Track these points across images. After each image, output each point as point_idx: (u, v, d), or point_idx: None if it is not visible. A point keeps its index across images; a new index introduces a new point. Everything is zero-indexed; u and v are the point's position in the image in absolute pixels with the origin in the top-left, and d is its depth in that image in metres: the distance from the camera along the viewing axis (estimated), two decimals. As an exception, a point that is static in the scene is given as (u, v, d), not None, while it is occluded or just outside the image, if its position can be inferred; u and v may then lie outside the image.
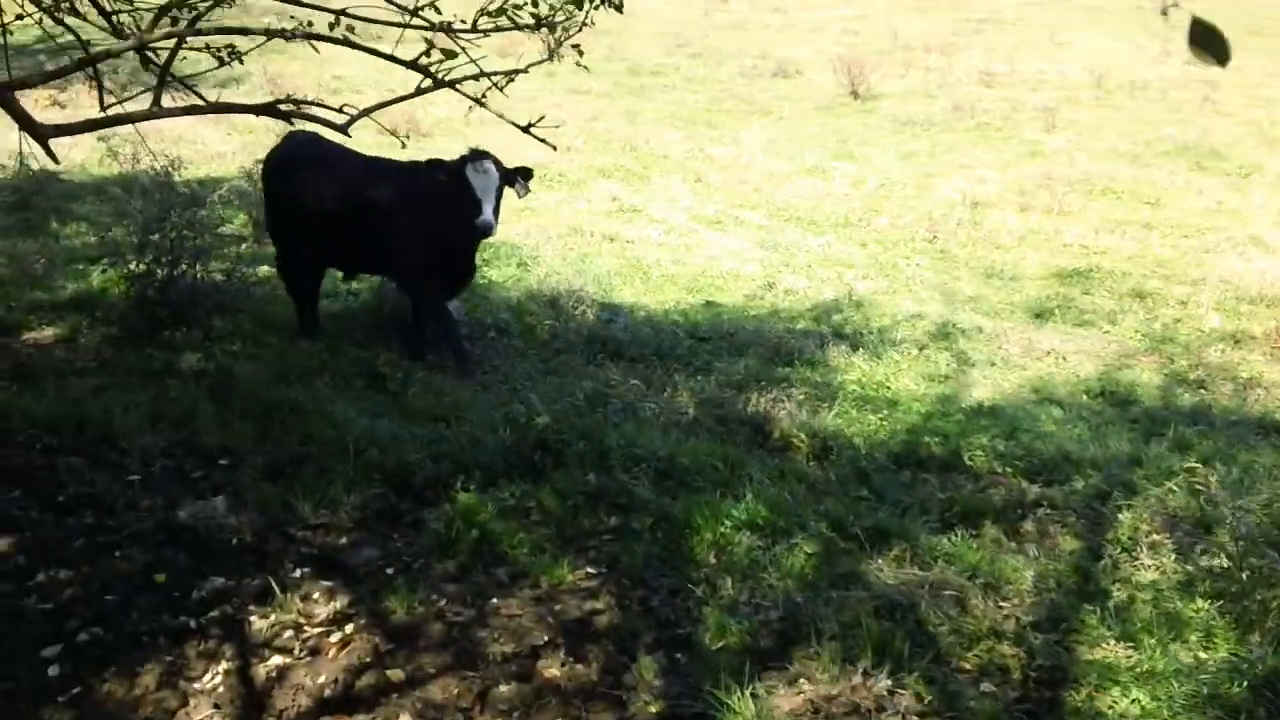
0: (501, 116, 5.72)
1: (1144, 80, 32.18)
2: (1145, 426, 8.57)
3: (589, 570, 5.64)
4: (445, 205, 8.31)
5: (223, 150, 17.76)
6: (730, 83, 29.36)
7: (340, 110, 4.96)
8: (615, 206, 16.38)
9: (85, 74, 4.79)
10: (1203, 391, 9.85)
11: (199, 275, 8.97)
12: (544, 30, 5.61)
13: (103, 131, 17.23)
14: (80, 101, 19.65)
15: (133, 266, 8.80)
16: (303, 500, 6.13)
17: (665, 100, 26.98)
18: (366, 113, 5.04)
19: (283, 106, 4.82)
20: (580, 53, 5.83)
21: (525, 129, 5.60)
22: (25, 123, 4.38)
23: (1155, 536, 6.05)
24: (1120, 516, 6.27)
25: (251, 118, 21.46)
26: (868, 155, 22.14)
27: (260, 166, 9.83)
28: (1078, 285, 13.40)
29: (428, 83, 5.24)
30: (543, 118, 5.60)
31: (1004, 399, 9.26)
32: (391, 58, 5.11)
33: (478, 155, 8.36)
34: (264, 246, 12.28)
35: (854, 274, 13.48)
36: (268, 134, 19.84)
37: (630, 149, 21.52)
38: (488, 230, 8.22)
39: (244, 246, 12.10)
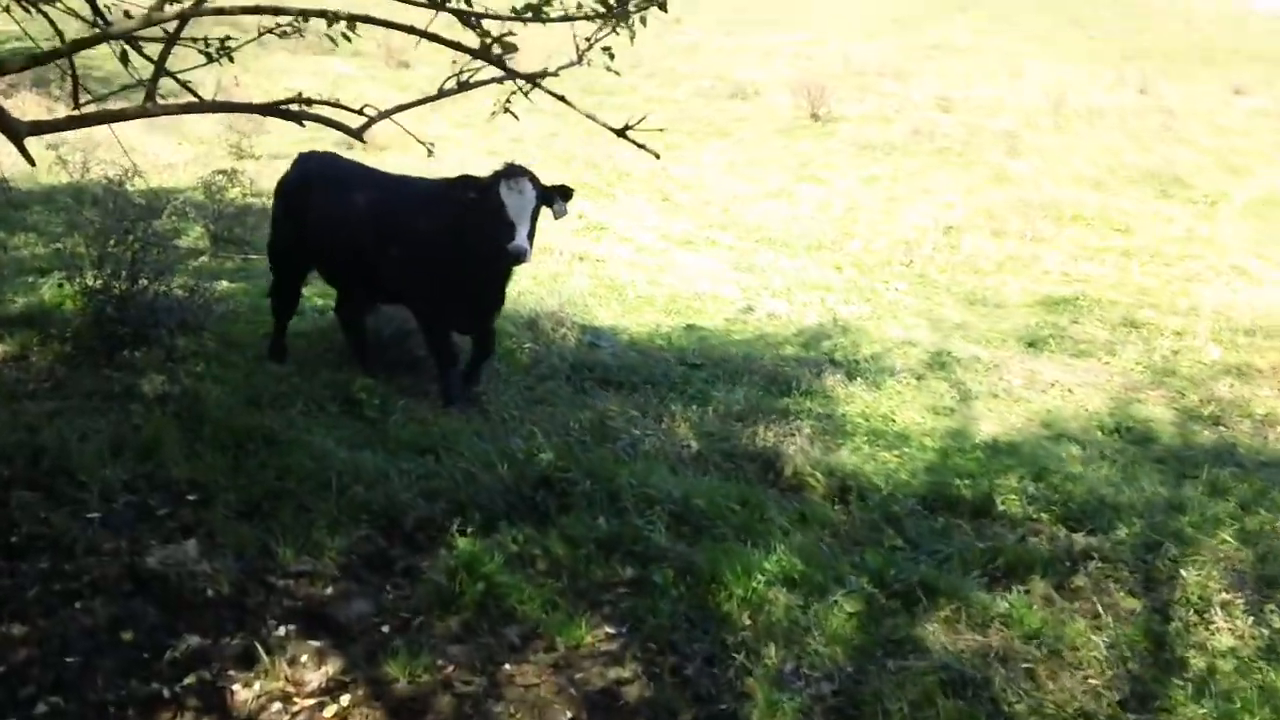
0: (592, 118, 5.15)
1: (1100, 107, 32.25)
2: (1173, 467, 8.18)
3: (608, 630, 5.08)
4: (475, 227, 7.55)
5: (174, 161, 17.05)
6: (688, 103, 29.00)
7: (360, 112, 4.37)
8: (582, 224, 15.85)
9: (61, 71, 4.18)
10: (1220, 428, 9.51)
11: (160, 290, 8.28)
12: (575, 34, 5.01)
13: (50, 138, 16.46)
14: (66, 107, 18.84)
15: (89, 280, 8.10)
16: (283, 544, 5.51)
17: (622, 119, 26.42)
18: (385, 115, 4.47)
19: (293, 106, 4.22)
20: (611, 55, 5.26)
21: (621, 132, 5.01)
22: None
23: (1224, 595, 5.60)
24: (1183, 573, 5.80)
25: (203, 129, 20.67)
26: (831, 178, 21.86)
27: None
28: (1065, 313, 13.08)
29: (451, 84, 4.66)
30: (643, 119, 4.98)
31: (1016, 434, 8.83)
32: (457, 45, 4.52)
33: (513, 172, 7.57)
34: (222, 261, 11.64)
35: (835, 298, 13.07)
36: (219, 144, 19.19)
37: (591, 166, 21.05)
38: (521, 256, 7.39)
39: (200, 260, 11.46)
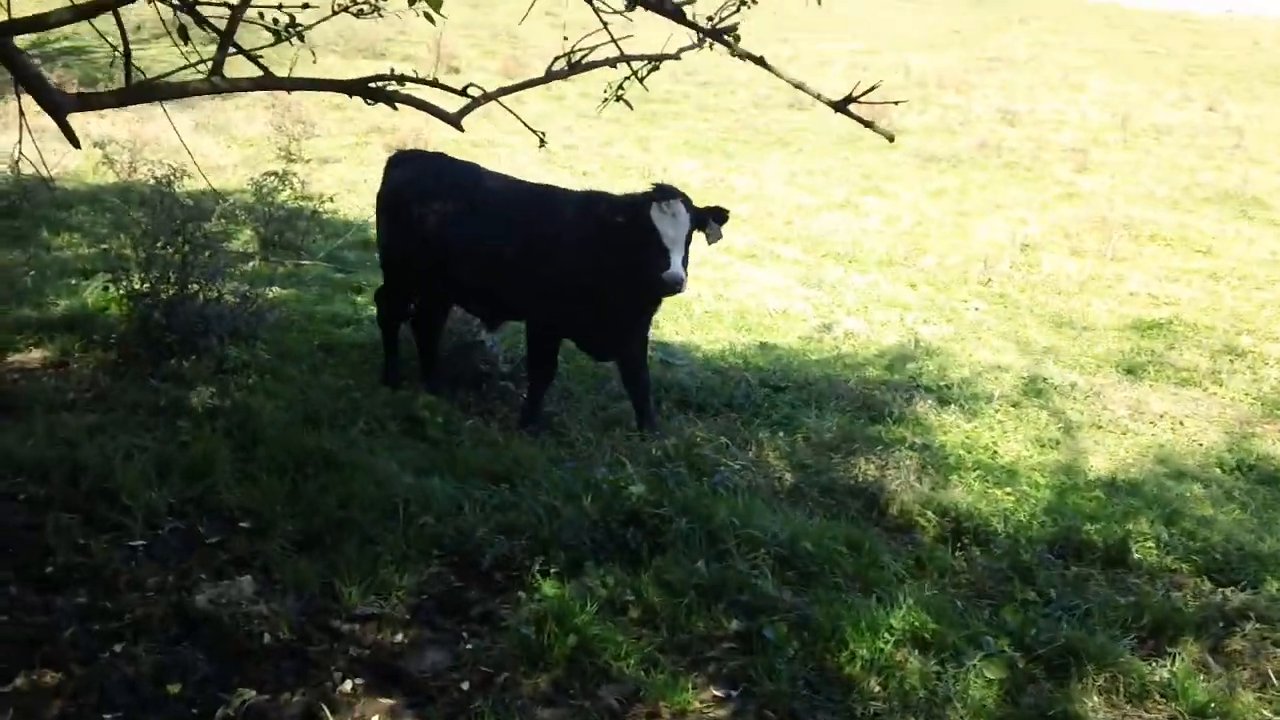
0: (801, 86, 4.51)
1: (1168, 124, 31.41)
2: (1314, 512, 7.46)
3: (717, 693, 4.45)
4: (624, 253, 6.94)
5: (223, 163, 16.60)
6: (744, 112, 28.39)
7: (464, 92, 3.76)
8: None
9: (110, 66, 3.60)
10: (1348, 467, 8.77)
11: (211, 296, 7.75)
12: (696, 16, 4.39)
13: (97, 135, 16.06)
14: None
15: (135, 283, 7.57)
16: (348, 582, 4.92)
17: (679, 128, 25.96)
18: (491, 97, 3.86)
19: (382, 84, 3.63)
20: (737, 38, 4.64)
21: (842, 105, 4.35)
22: (37, 90, 3.17)
23: None
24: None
25: (252, 131, 20.24)
26: (896, 191, 21.15)
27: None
28: (1160, 338, 12.34)
29: (560, 64, 4.06)
30: (873, 87, 4.32)
31: (1131, 471, 8.14)
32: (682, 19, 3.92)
33: (665, 193, 6.95)
34: (273, 267, 11.12)
35: (914, 317, 12.39)
36: (268, 147, 18.73)
37: (648, 176, 20.40)
38: (677, 286, 6.74)
39: (251, 265, 10.94)
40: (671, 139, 24.44)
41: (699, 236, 7.14)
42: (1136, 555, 6.17)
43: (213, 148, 17.67)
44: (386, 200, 7.91)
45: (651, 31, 5.26)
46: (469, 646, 4.68)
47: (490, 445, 6.78)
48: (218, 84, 3.27)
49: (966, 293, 13.97)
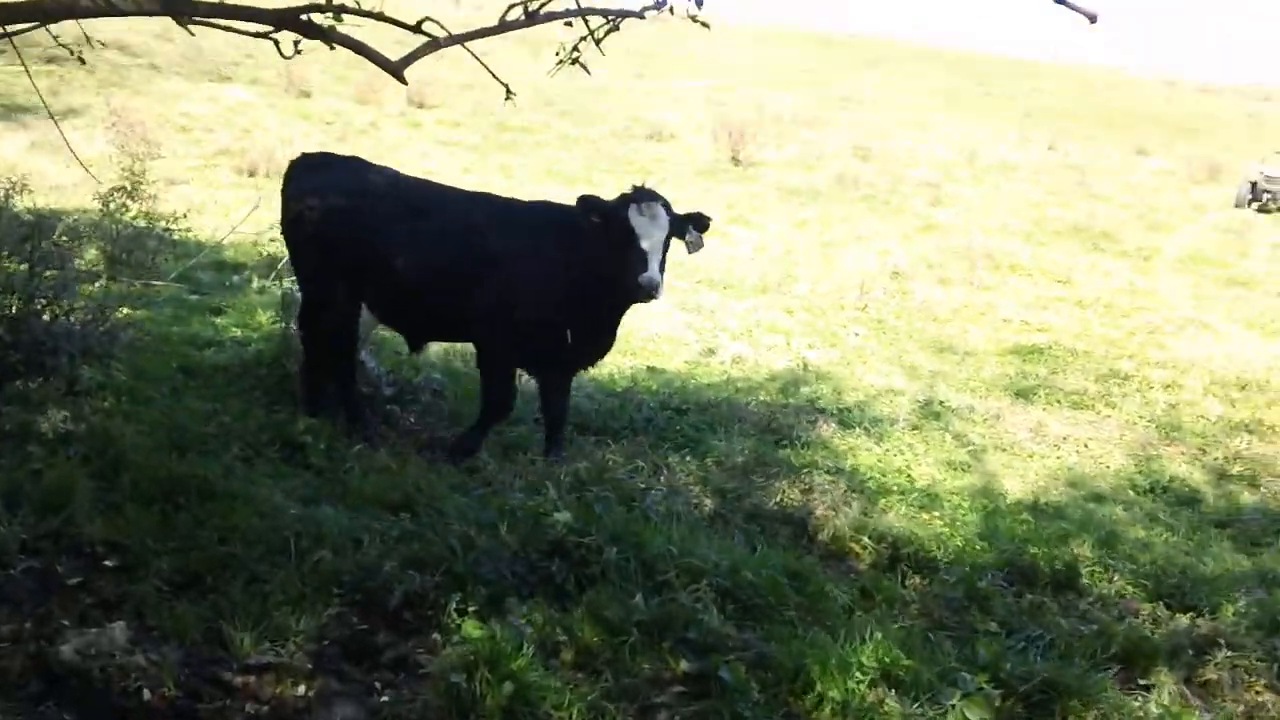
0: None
1: (1013, 162, 32.25)
2: (1238, 532, 7.28)
3: (674, 746, 3.91)
4: (596, 258, 6.45)
5: (61, 183, 15.44)
6: (604, 143, 28.12)
7: (419, 28, 3.17)
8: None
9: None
10: (1261, 489, 8.68)
11: (59, 313, 6.91)
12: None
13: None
14: None
15: (-27, 301, 6.70)
16: (237, 628, 4.23)
17: (540, 157, 25.51)
18: (442, 44, 3.27)
19: (316, 17, 3.02)
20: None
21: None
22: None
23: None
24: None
25: (90, 152, 19.06)
26: (762, 221, 21.08)
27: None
28: (1041, 363, 12.28)
29: (516, 13, 3.50)
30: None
31: (1045, 494, 7.91)
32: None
33: (644, 195, 6.46)
34: (122, 286, 10.19)
35: (799, 342, 12.07)
36: (110, 167, 17.56)
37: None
38: (653, 291, 6.30)
39: (98, 285, 10.01)
40: (534, 167, 23.97)
41: (678, 246, 6.68)
42: (1085, 580, 5.84)
43: (50, 167, 16.49)
44: (301, 208, 6.98)
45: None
46: (385, 699, 4.06)
47: (382, 472, 6.11)
48: (116, 3, 2.64)
49: (844, 319, 13.77)
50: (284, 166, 17.17)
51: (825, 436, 8.39)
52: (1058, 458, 8.95)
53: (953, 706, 4.13)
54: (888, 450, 8.30)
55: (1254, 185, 30.21)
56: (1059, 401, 10.72)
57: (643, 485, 6.11)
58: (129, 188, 11.53)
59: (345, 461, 6.36)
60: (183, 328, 9.31)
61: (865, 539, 5.98)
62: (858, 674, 4.22)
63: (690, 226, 6.64)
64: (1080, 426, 9.90)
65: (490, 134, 26.78)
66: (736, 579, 4.93)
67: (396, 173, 7.24)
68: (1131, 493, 8.23)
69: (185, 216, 11.67)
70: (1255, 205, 29.80)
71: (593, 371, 9.40)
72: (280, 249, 13.72)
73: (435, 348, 8.92)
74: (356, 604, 4.66)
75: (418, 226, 6.69)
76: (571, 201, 6.65)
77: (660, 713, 4.12)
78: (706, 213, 6.77)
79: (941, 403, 9.99)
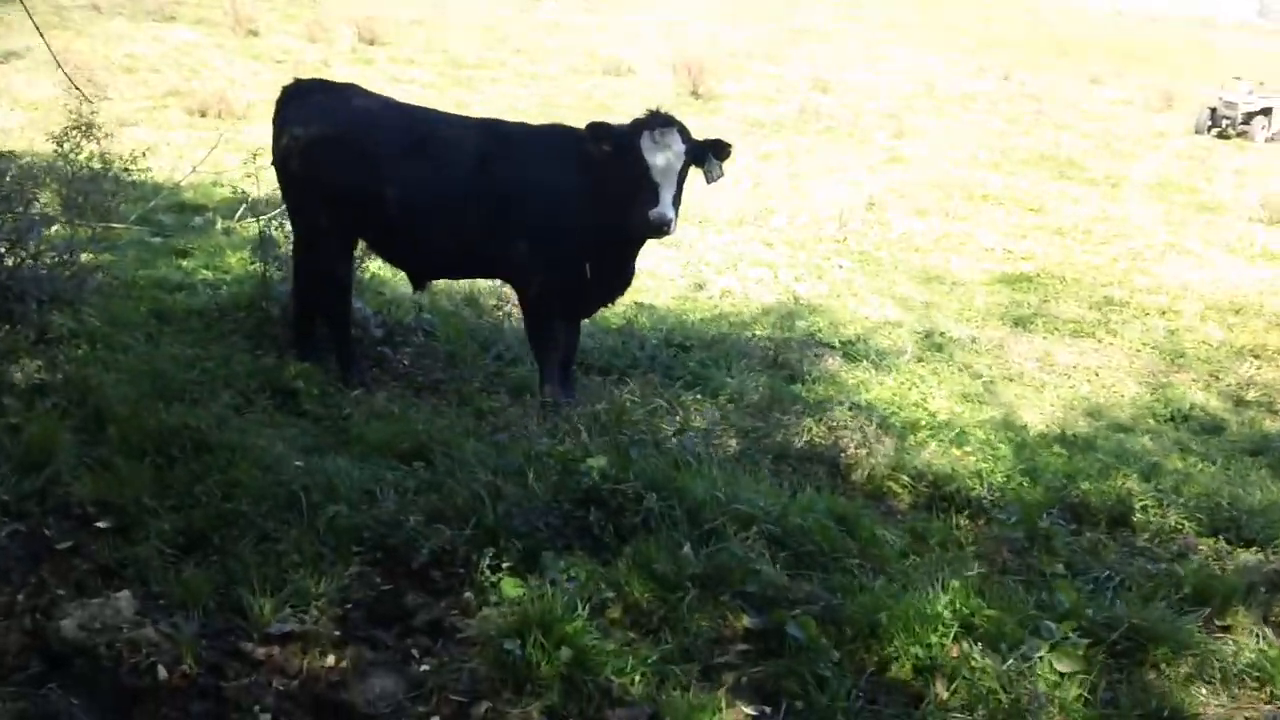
0: None
1: (972, 93, 31.99)
2: (1275, 461, 7.03)
3: (749, 711, 3.56)
4: (606, 188, 5.96)
5: (7, 126, 14.75)
6: (562, 79, 27.49)
7: None
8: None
9: None
10: (1269, 415, 8.47)
11: (24, 258, 6.40)
12: None
13: None
14: None
15: (-67, 248, 6.18)
16: (254, 592, 3.83)
17: (497, 94, 24.84)
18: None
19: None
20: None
21: None
22: None
23: None
24: None
25: (37, 93, 18.23)
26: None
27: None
28: (1032, 291, 12.04)
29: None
30: None
31: (1068, 424, 7.63)
32: None
33: (659, 120, 5.90)
34: (79, 230, 9.63)
35: (785, 276, 11.71)
36: (56, 110, 16.83)
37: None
38: (663, 226, 5.79)
39: (54, 229, 9.44)
40: (493, 106, 23.27)
41: (696, 175, 6.17)
42: (1138, 516, 5.55)
43: (-6, 110, 15.80)
44: (293, 138, 6.38)
45: None
46: (425, 667, 3.67)
47: (387, 418, 5.69)
48: None
49: (825, 251, 13.45)
50: (236, 106, 16.42)
51: (833, 371, 8.06)
52: (1070, 387, 8.70)
53: (1040, 658, 3.81)
54: (901, 383, 7.99)
55: (1213, 111, 30.29)
56: (1057, 330, 10.48)
57: (668, 428, 5.71)
58: (86, 125, 10.90)
59: (342, 408, 5.93)
60: (149, 271, 8.79)
61: (904, 478, 5.65)
62: (940, 627, 3.88)
63: (710, 154, 6.14)
64: (1086, 355, 9.65)
65: (446, 70, 26.09)
66: (786, 525, 4.58)
67: (396, 100, 6.75)
68: (1152, 421, 7.99)
69: (144, 157, 11.10)
70: (1214, 131, 29.90)
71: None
72: (243, 187, 13.23)
73: (403, 291, 8.46)
74: (378, 563, 4.26)
75: (425, 156, 6.19)
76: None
77: (726, 674, 3.76)
78: (725, 139, 6.27)
79: (942, 333, 9.71)
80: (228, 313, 7.51)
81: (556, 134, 6.43)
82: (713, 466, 4.98)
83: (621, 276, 6.48)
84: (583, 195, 6.11)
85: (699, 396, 6.87)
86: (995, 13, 55.56)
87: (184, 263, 9.22)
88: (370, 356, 6.99)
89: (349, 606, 3.99)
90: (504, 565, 4.16)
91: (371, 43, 27.88)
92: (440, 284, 8.76)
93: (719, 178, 6.28)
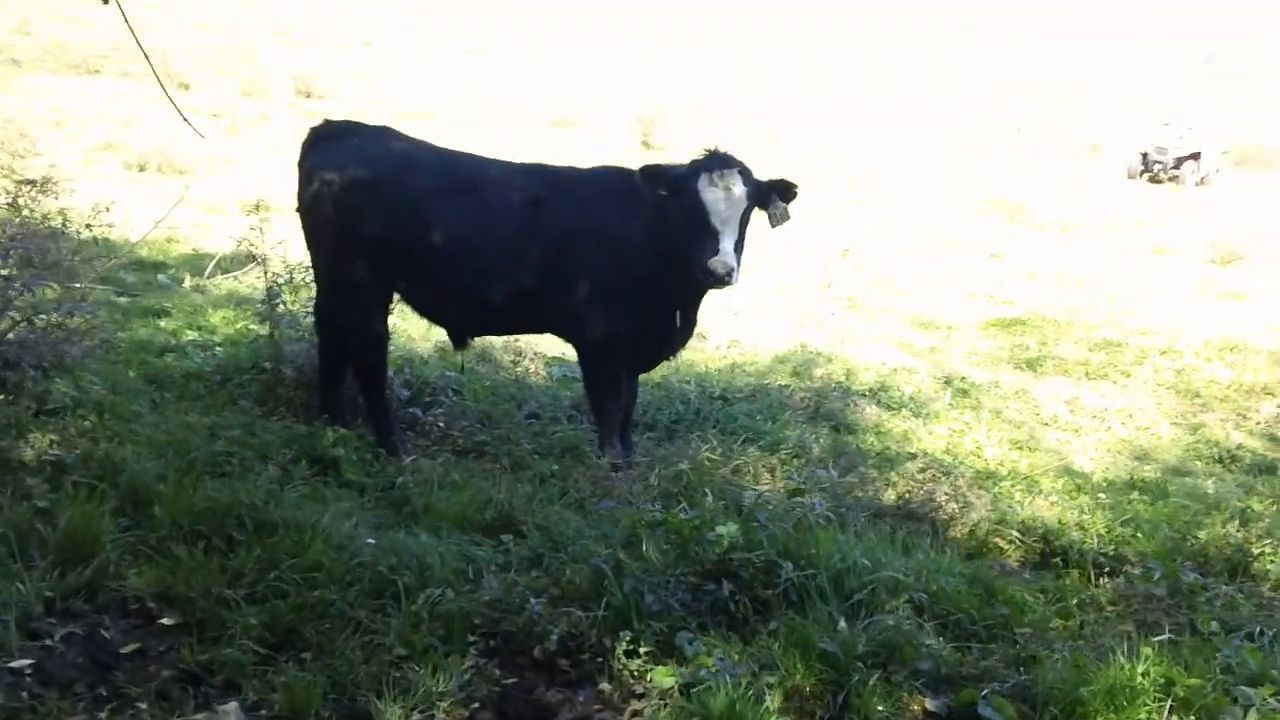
0: None
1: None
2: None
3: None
4: (664, 235, 5.55)
5: (-61, 176, 13.92)
6: (515, 127, 27.14)
7: None
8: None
9: None
10: (1327, 453, 8.30)
11: (15, 323, 5.81)
12: None
13: None
14: None
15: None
16: (384, 698, 3.33)
17: (455, 144, 24.34)
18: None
19: None
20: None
21: None
22: None
23: None
24: None
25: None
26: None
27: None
28: (1028, 335, 11.82)
29: None
30: None
31: (1122, 468, 7.32)
32: None
33: (718, 161, 5.50)
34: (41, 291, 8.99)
35: (784, 324, 11.38)
36: (-11, 165, 16.07)
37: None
38: (726, 277, 5.32)
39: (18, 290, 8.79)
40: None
41: (760, 217, 5.73)
42: (1256, 564, 5.21)
43: (-84, 164, 14.92)
44: (323, 184, 5.85)
45: None
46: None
47: (449, 488, 5.18)
48: None
49: (815, 298, 13.11)
50: (177, 160, 15.65)
51: (875, 420, 7.71)
52: (1107, 429, 8.42)
53: (1251, 728, 3.42)
54: (952, 432, 7.65)
55: (1144, 156, 30.72)
56: (1068, 372, 10.25)
57: (762, 487, 5.28)
58: (40, 180, 10.26)
59: (390, 476, 5.41)
60: (128, 333, 8.17)
61: (1012, 533, 5.26)
62: (1143, 700, 3.47)
63: (774, 195, 5.69)
64: (1110, 397, 9.41)
65: (392, 123, 25.40)
66: (933, 593, 4.15)
67: (433, 144, 6.27)
68: (1200, 464, 7.72)
69: (108, 211, 10.48)
70: (1146, 175, 30.32)
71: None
72: (205, 243, 12.57)
73: (412, 348, 7.97)
74: (493, 652, 3.79)
75: (472, 201, 5.73)
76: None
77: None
78: (791, 179, 5.82)
79: (963, 378, 9.40)
80: (229, 376, 6.94)
81: (610, 176, 5.97)
82: (842, 530, 4.54)
83: (685, 328, 6.02)
84: (643, 241, 5.68)
85: (761, 451, 6.41)
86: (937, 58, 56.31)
87: (162, 323, 8.61)
88: (401, 419, 6.46)
89: (475, 706, 3.51)
90: (642, 650, 3.69)
91: (309, 95, 27.25)
92: (446, 339, 8.28)
93: (785, 221, 5.81)
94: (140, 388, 6.52)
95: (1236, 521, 5.77)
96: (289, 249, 7.04)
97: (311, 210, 5.96)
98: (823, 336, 11.04)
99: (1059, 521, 5.48)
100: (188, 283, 10.46)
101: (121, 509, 4.47)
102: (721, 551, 4.07)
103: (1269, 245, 19.67)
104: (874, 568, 4.08)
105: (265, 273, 7.00)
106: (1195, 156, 30.46)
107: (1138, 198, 26.90)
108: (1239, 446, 8.12)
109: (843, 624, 3.80)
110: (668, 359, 6.35)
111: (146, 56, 4.09)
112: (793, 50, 51.97)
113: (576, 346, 6.17)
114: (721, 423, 6.94)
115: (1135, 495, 6.26)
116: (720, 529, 4.09)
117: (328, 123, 6.22)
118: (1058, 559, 5.15)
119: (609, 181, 5.91)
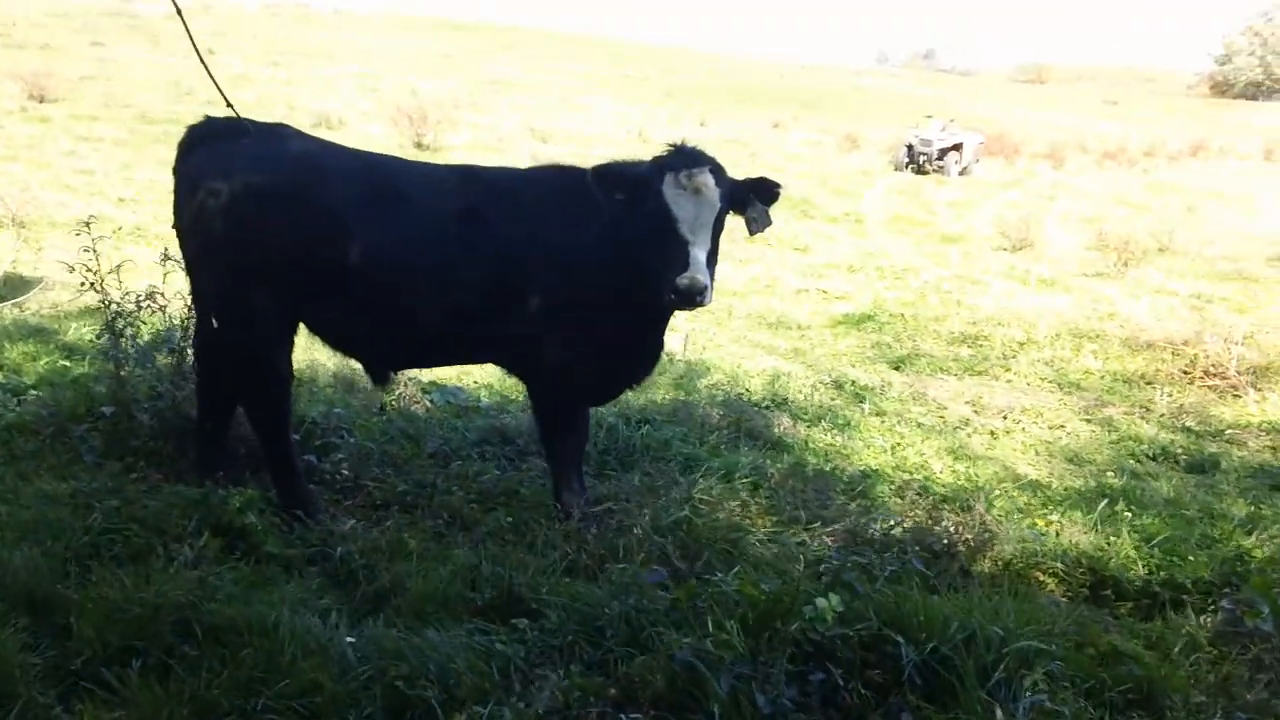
0: None
1: (680, 138, 32.04)
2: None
3: None
4: (625, 246, 4.64)
5: None
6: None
7: None
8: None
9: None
10: (1228, 445, 8.09)
11: None
12: None
13: None
14: None
15: None
16: None
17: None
18: None
19: None
20: None
21: None
22: None
23: None
24: None
25: None
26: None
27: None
28: (881, 331, 11.48)
29: None
30: None
31: (1075, 475, 6.91)
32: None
33: (685, 159, 4.58)
34: None
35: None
36: None
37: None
38: (695, 296, 4.39)
39: None
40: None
41: (735, 222, 4.89)
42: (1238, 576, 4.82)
43: None
44: (208, 193, 4.68)
45: None
46: None
47: (415, 558, 4.20)
48: None
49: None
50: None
51: (802, 436, 7.06)
52: (1023, 430, 8.04)
53: None
54: (894, 445, 7.11)
55: (910, 148, 31.66)
56: (945, 370, 9.90)
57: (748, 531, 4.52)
58: None
59: (321, 544, 4.39)
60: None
61: (1057, 565, 4.68)
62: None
63: (752, 198, 4.88)
64: (1012, 395, 9.04)
65: (137, 128, 23.50)
66: (1065, 658, 3.49)
67: (340, 145, 5.19)
68: (1133, 462, 7.39)
69: None
70: (912, 167, 31.28)
71: (469, 384, 7.74)
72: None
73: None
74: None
75: (395, 213, 4.70)
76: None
77: None
78: (771, 177, 5.02)
79: (853, 382, 8.89)
80: (61, 425, 5.69)
81: (557, 178, 5.01)
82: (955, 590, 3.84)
83: (651, 352, 5.17)
84: (600, 254, 4.79)
85: (718, 481, 5.61)
86: (676, 64, 56.82)
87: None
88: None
89: None
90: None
91: (41, 99, 24.99)
92: (299, 367, 7.17)
93: (766, 227, 4.99)
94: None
95: (1247, 535, 5.42)
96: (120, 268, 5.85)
97: (194, 227, 4.78)
98: (677, 340, 10.38)
99: (1100, 549, 4.92)
100: (-36, 317, 8.92)
101: (13, 619, 3.36)
102: (825, 630, 3.29)
103: (1047, 231, 20.20)
104: (1004, 638, 3.36)
105: (104, 302, 5.75)
106: (957, 148, 31.63)
107: (909, 188, 27.51)
108: (1169, 444, 7.85)
109: (999, 713, 3.10)
110: (631, 389, 5.45)
111: None
112: (539, 57, 51.61)
113: (525, 378, 5.21)
114: (654, 449, 6.12)
115: (1120, 507, 5.78)
116: (821, 602, 3.31)
117: (209, 120, 5.00)
118: (1108, 591, 4.60)
119: (556, 184, 4.97)
